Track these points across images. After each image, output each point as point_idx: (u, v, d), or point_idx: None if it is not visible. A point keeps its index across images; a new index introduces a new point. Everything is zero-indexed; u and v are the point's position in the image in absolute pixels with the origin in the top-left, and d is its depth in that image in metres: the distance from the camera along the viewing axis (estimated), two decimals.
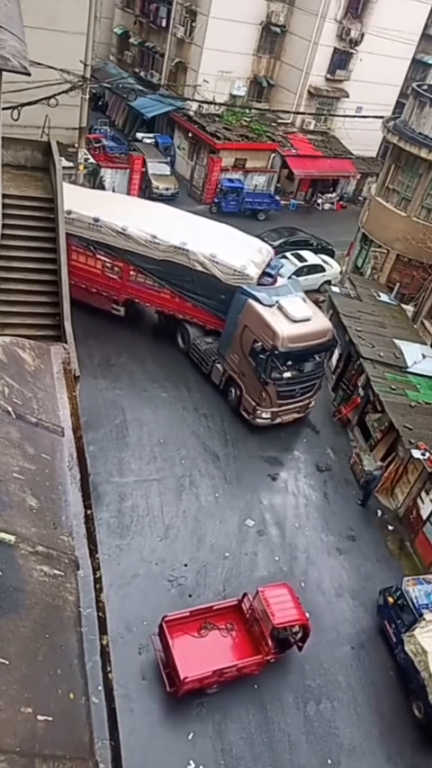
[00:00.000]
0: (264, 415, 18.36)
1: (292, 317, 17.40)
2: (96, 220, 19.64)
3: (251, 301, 17.78)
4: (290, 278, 22.07)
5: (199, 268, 19.02)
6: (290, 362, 17.48)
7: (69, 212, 19.36)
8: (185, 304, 20.07)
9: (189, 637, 12.53)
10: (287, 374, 17.58)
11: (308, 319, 17.69)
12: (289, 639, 12.92)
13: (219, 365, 19.54)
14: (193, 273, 19.17)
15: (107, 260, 20.30)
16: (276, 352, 17.02)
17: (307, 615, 12.99)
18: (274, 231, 30.05)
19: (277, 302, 17.71)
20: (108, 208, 20.57)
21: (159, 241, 19.22)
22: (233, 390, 19.10)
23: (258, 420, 18.47)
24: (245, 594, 13.22)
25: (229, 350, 18.96)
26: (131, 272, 20.25)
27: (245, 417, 18.83)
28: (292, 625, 12.68)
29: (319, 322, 18.18)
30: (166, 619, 12.34)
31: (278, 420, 18.62)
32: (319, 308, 21.43)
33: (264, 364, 17.33)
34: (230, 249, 19.41)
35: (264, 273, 19.48)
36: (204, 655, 12.20)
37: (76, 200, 20.23)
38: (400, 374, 18.78)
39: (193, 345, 20.49)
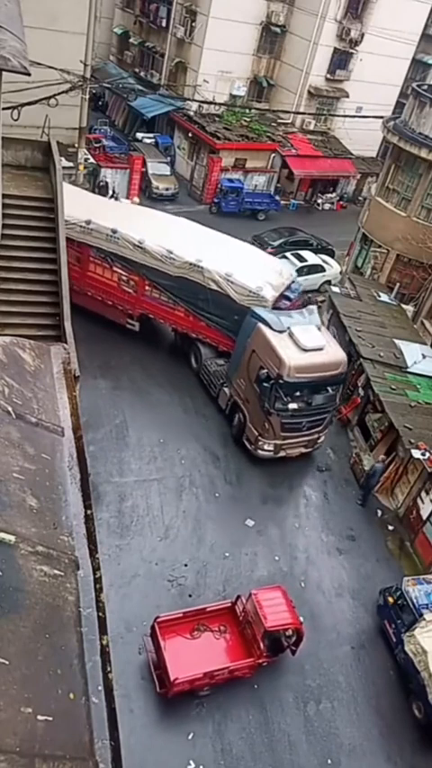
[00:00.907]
0: (266, 447, 17.37)
1: (303, 345, 16.34)
2: (114, 232, 19.18)
3: (261, 325, 16.83)
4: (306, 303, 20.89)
5: (213, 287, 18.41)
6: (296, 393, 16.41)
7: (89, 222, 19.27)
8: (199, 323, 19.46)
9: (181, 638, 12.44)
10: (293, 405, 16.51)
11: (320, 349, 16.58)
12: (282, 643, 12.78)
13: (226, 389, 18.68)
14: (208, 292, 18.58)
15: (123, 273, 19.83)
16: (281, 381, 16.02)
17: (301, 619, 12.88)
18: (274, 231, 30.08)
19: (289, 328, 16.70)
20: (128, 219, 20.05)
21: (175, 257, 18.69)
22: (237, 417, 18.24)
23: (260, 452, 17.49)
24: (238, 597, 13.14)
25: (236, 374, 18.07)
26: (147, 287, 19.74)
27: (247, 447, 17.88)
28: (284, 628, 12.56)
29: (332, 353, 16.93)
30: (158, 620, 12.27)
31: (282, 454, 17.62)
32: (319, 307, 21.41)
33: (268, 393, 16.28)
34: (248, 269, 18.68)
35: (282, 296, 18.70)
36: (196, 656, 12.11)
37: (96, 210, 20.03)
38: (400, 374, 18.77)
39: (204, 366, 19.78)
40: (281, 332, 16.65)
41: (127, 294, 20.25)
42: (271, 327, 16.70)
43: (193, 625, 12.72)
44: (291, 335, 16.58)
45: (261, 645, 12.39)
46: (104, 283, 20.40)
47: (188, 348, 20.63)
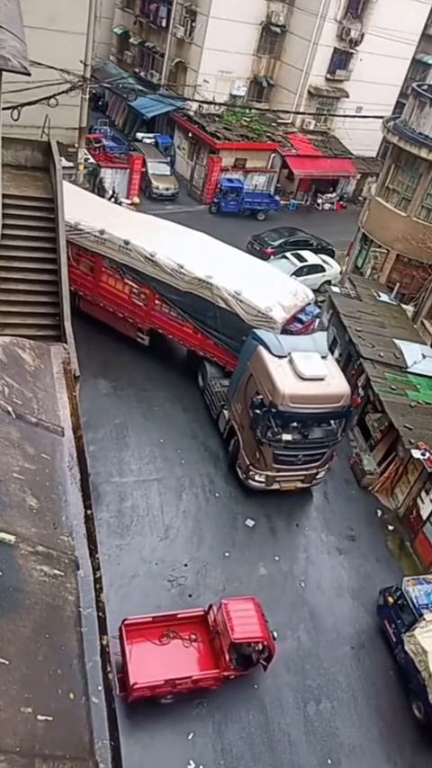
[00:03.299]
0: (257, 478, 16.37)
1: (301, 373, 15.27)
2: (127, 243, 18.88)
3: (260, 348, 15.91)
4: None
5: (221, 304, 17.87)
6: (291, 424, 15.39)
7: (102, 232, 19.09)
8: (207, 341, 18.95)
9: (149, 643, 12.17)
10: (286, 437, 15.45)
11: (320, 379, 15.47)
12: (251, 657, 12.38)
13: (226, 412, 17.90)
14: (216, 309, 18.05)
15: (134, 285, 19.50)
16: (274, 410, 15.04)
17: (275, 634, 12.60)
18: (274, 231, 30.08)
19: (289, 354, 15.66)
20: (142, 231, 19.76)
21: (185, 272, 18.20)
22: (233, 442, 17.39)
23: (251, 482, 16.51)
24: (210, 606, 12.87)
25: (234, 397, 17.28)
26: (157, 301, 19.36)
27: (238, 475, 17.06)
28: (252, 642, 12.14)
29: (335, 384, 15.72)
30: (125, 622, 12.06)
31: (275, 486, 16.63)
32: (319, 307, 21.36)
33: (260, 421, 15.26)
34: (259, 288, 18.04)
35: (294, 318, 18.20)
36: (161, 663, 11.87)
37: (111, 220, 19.76)
38: (400, 374, 18.77)
39: (207, 385, 19.21)
40: (281, 357, 15.69)
41: (137, 307, 19.88)
42: (271, 351, 15.78)
43: (162, 631, 12.45)
44: (291, 362, 15.57)
45: (227, 657, 12.08)
46: (116, 295, 20.10)
47: (196, 365, 20.11)
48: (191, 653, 12.43)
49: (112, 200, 28.28)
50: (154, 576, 14.31)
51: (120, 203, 28.02)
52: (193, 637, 12.60)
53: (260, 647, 12.29)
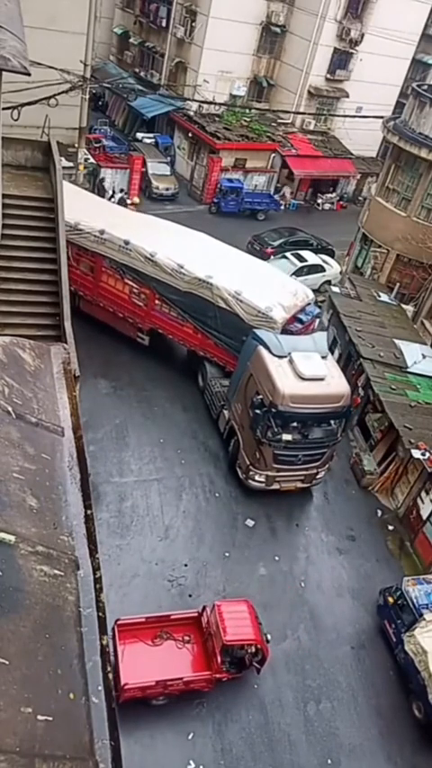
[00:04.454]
0: (257, 478, 16.39)
1: (301, 373, 15.27)
2: (127, 243, 18.90)
3: (260, 348, 15.93)
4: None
5: (221, 304, 17.88)
6: (291, 424, 15.39)
7: (102, 232, 19.13)
8: (207, 341, 18.96)
9: (142, 644, 12.12)
10: (286, 437, 15.45)
11: (320, 379, 15.48)
12: (244, 659, 12.29)
13: (226, 412, 17.93)
14: (216, 309, 18.06)
15: (134, 285, 19.51)
16: (274, 410, 15.05)
17: (269, 637, 12.55)
18: (274, 231, 30.09)
19: (289, 354, 15.67)
20: (143, 232, 19.75)
21: (185, 272, 18.21)
22: (233, 442, 17.41)
23: (251, 482, 16.53)
24: (204, 607, 12.81)
25: (234, 397, 17.30)
26: (157, 301, 19.36)
27: (238, 475, 17.08)
28: (245, 644, 12.08)
29: (335, 384, 15.71)
30: (118, 622, 12.02)
31: (275, 486, 16.65)
32: (320, 307, 21.35)
33: (260, 421, 15.25)
34: (260, 288, 18.06)
35: (294, 318, 18.24)
36: (153, 664, 11.82)
37: (111, 221, 19.79)
38: (400, 374, 18.77)
39: (207, 386, 19.24)
40: (281, 357, 15.70)
41: (137, 307, 19.88)
42: (271, 351, 15.79)
43: (155, 631, 12.39)
44: (291, 362, 15.57)
45: (218, 658, 12.00)
46: (116, 295, 20.10)
47: (196, 365, 20.11)
48: (184, 654, 12.37)
49: (113, 200, 28.27)
50: (154, 576, 14.31)
51: (124, 203, 28.00)
52: (186, 638, 12.53)
53: (253, 649, 12.22)
